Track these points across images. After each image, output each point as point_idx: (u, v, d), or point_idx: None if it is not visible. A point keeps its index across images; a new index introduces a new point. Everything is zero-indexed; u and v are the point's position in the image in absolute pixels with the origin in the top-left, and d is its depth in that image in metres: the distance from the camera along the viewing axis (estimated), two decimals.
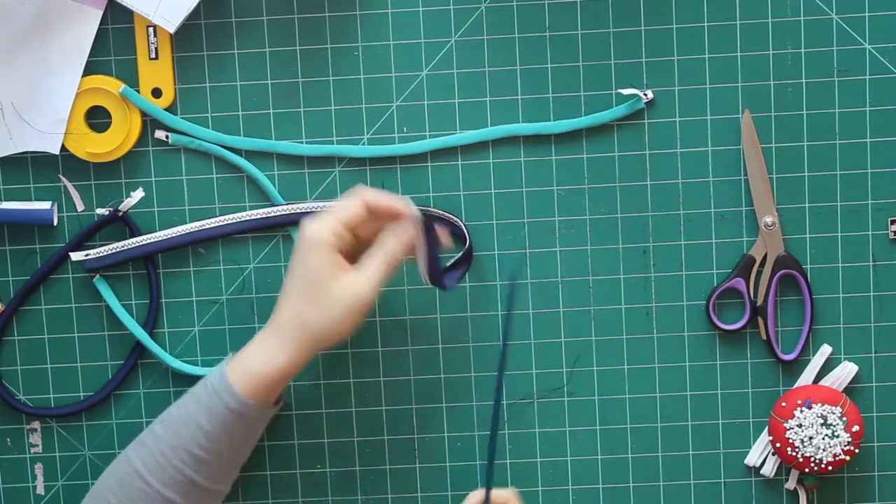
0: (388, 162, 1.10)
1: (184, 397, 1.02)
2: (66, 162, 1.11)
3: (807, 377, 1.11)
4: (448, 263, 1.07)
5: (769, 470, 1.12)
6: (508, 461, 1.13)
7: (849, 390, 1.11)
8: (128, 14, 1.09)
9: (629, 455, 1.12)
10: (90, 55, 1.09)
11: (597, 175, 1.10)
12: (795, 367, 1.11)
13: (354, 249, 1.03)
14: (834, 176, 1.09)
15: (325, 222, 1.00)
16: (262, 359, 1.00)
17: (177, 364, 1.11)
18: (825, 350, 1.11)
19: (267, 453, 1.12)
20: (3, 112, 1.08)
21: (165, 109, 1.10)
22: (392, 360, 1.12)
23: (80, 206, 1.11)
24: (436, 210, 1.09)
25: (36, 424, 1.13)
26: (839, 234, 1.10)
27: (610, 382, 1.12)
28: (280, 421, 1.12)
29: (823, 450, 1.08)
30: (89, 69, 1.09)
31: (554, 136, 1.10)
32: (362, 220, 1.01)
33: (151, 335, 1.12)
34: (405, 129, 1.10)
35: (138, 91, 1.09)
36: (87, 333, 1.12)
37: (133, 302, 1.12)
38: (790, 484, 1.12)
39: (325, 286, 0.99)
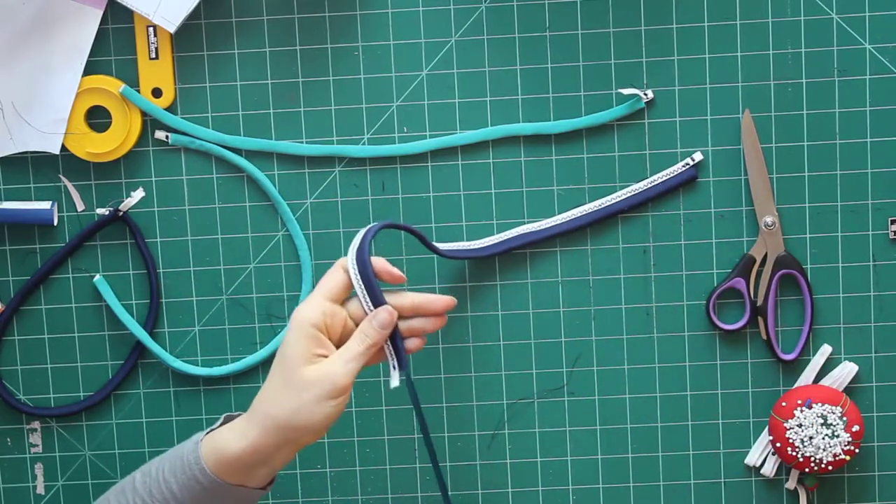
0: (388, 162, 1.10)
1: (166, 453, 1.00)
2: (66, 162, 1.11)
3: (807, 377, 1.11)
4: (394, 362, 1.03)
5: (769, 470, 1.12)
6: (508, 461, 1.13)
7: (849, 390, 1.11)
8: (128, 14, 1.09)
9: (629, 455, 1.12)
10: (90, 55, 1.09)
11: (597, 175, 1.10)
12: (795, 367, 1.11)
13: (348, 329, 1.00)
14: (834, 176, 1.09)
15: (310, 301, 0.97)
16: (231, 438, 0.96)
17: (177, 364, 1.11)
18: (825, 350, 1.11)
19: None
20: (3, 112, 1.09)
21: (165, 109, 1.10)
22: None
23: (80, 206, 1.11)
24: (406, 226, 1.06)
25: (36, 424, 1.13)
26: (839, 234, 1.10)
27: (610, 382, 1.12)
28: None
29: (823, 450, 1.08)
30: (89, 69, 1.09)
31: (554, 136, 1.10)
32: (347, 290, 0.98)
33: (151, 335, 1.12)
34: (405, 129, 1.10)
35: (138, 91, 1.09)
36: (87, 333, 1.12)
37: (133, 302, 1.12)
38: (790, 484, 1.12)
39: (300, 370, 0.95)
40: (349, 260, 0.99)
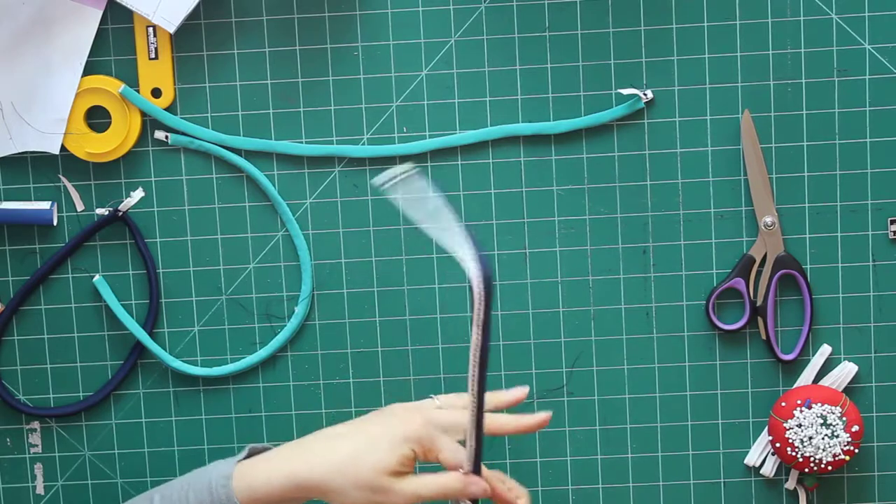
0: (388, 162, 1.10)
1: (188, 478, 0.99)
2: (66, 162, 1.11)
3: (806, 377, 1.11)
4: None
5: (769, 470, 1.12)
6: (508, 461, 1.13)
7: (848, 390, 1.11)
8: (128, 14, 1.09)
9: (629, 455, 1.12)
10: (90, 55, 1.09)
11: (596, 175, 1.10)
12: (795, 367, 1.11)
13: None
14: (834, 176, 1.09)
15: (428, 428, 0.95)
16: (270, 482, 0.96)
17: (177, 364, 1.11)
18: (825, 350, 1.11)
19: None
20: (3, 112, 1.08)
21: (165, 109, 1.10)
22: (392, 360, 1.12)
23: (79, 206, 1.11)
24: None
25: (36, 424, 1.13)
26: (839, 234, 1.10)
27: (610, 382, 1.12)
28: (281, 421, 1.12)
29: (823, 450, 1.08)
30: (89, 69, 1.09)
31: (554, 136, 1.10)
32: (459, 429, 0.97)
33: (151, 335, 1.12)
34: (405, 129, 1.10)
35: (138, 91, 1.09)
36: (86, 333, 1.12)
37: (133, 302, 1.12)
38: (790, 484, 1.12)
39: (377, 475, 0.94)
40: (470, 387, 0.93)
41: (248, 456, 0.99)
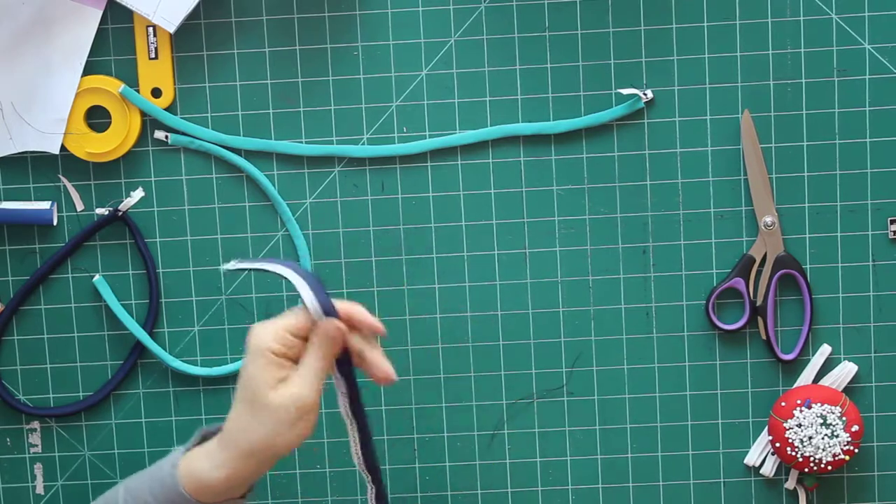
0: (388, 162, 1.10)
1: (147, 471, 0.98)
2: (66, 162, 1.11)
3: (806, 377, 1.11)
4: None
5: (769, 470, 1.12)
6: (508, 461, 1.13)
7: (848, 390, 1.11)
8: (127, 14, 1.09)
9: (629, 455, 1.13)
10: (90, 55, 1.09)
11: (596, 175, 1.10)
12: (795, 367, 1.11)
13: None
14: (833, 176, 1.09)
15: (268, 328, 0.94)
16: (208, 468, 0.95)
17: (177, 364, 1.11)
18: (825, 350, 1.11)
19: None
20: (3, 112, 1.08)
21: (165, 109, 1.10)
22: (392, 360, 1.12)
23: (79, 206, 1.11)
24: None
25: (35, 424, 1.13)
26: (839, 234, 1.10)
27: (610, 382, 1.12)
28: None
29: (823, 449, 1.08)
30: (89, 69, 1.09)
31: (553, 136, 1.10)
32: (307, 328, 0.95)
33: (151, 335, 1.12)
34: (405, 129, 1.10)
35: (138, 91, 1.09)
36: (86, 333, 1.12)
37: (132, 302, 1.12)
38: (790, 484, 1.12)
39: (266, 397, 0.93)
40: (292, 276, 0.94)
41: (201, 441, 0.98)
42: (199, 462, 0.95)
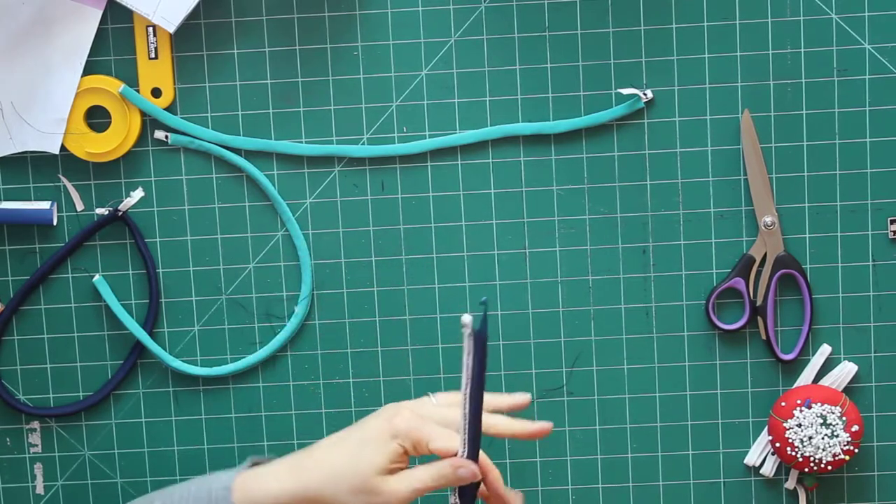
0: (388, 162, 1.10)
1: (190, 484, 0.99)
2: (66, 162, 1.11)
3: (806, 377, 1.11)
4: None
5: (769, 470, 1.12)
6: (508, 461, 1.13)
7: (848, 390, 1.11)
8: (127, 14, 1.09)
9: (629, 455, 1.12)
10: (90, 55, 1.09)
11: (596, 175, 1.10)
12: (795, 367, 1.11)
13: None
14: (833, 176, 1.09)
15: (414, 420, 0.94)
16: (271, 491, 0.96)
17: (177, 364, 1.11)
18: (825, 350, 1.11)
19: (267, 453, 1.12)
20: (3, 112, 1.08)
21: (165, 109, 1.10)
22: (392, 360, 1.12)
23: (79, 206, 1.11)
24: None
25: (35, 424, 1.13)
26: (838, 234, 1.10)
27: (609, 382, 1.12)
28: (281, 421, 1.12)
29: (823, 449, 1.08)
30: (89, 69, 1.09)
31: (553, 135, 1.10)
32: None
33: (151, 335, 1.12)
34: (405, 128, 1.10)
35: (138, 91, 1.09)
36: (86, 333, 1.12)
37: (132, 302, 1.12)
38: (790, 484, 1.12)
39: (368, 473, 0.93)
40: (464, 388, 0.92)
41: (251, 467, 0.99)
42: (262, 483, 0.96)
